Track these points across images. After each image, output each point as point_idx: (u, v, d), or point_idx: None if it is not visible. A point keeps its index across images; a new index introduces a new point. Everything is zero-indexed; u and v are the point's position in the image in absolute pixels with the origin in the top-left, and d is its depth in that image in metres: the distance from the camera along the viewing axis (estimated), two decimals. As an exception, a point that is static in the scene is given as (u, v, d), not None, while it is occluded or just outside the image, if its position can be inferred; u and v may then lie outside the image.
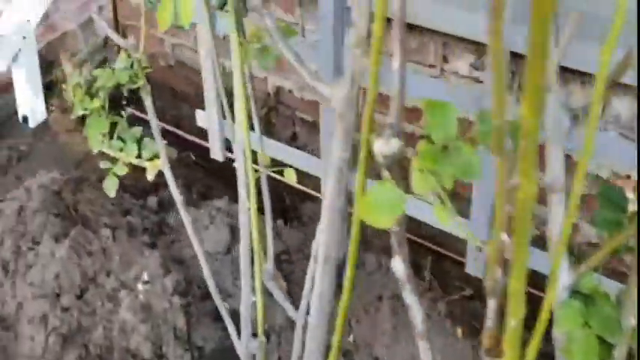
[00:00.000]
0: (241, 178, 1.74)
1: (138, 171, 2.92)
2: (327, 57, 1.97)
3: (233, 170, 1.67)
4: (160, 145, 1.77)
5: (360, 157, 0.80)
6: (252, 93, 1.57)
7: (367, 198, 0.75)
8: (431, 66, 2.58)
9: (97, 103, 1.58)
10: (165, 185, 2.86)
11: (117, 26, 3.15)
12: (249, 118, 1.56)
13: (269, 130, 3.22)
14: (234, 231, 2.54)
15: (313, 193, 2.64)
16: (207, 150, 2.91)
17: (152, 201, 2.69)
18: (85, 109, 1.60)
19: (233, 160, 1.58)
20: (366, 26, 0.83)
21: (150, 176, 1.68)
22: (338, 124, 0.89)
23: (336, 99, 0.91)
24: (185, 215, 1.92)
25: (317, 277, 1.08)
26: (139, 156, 1.67)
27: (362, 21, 0.84)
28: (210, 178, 2.91)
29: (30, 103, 2.77)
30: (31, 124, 2.84)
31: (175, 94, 3.33)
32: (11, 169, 2.85)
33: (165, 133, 3.34)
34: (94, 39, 3.29)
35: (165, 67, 3.27)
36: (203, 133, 2.96)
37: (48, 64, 3.10)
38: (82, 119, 3.13)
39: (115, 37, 1.79)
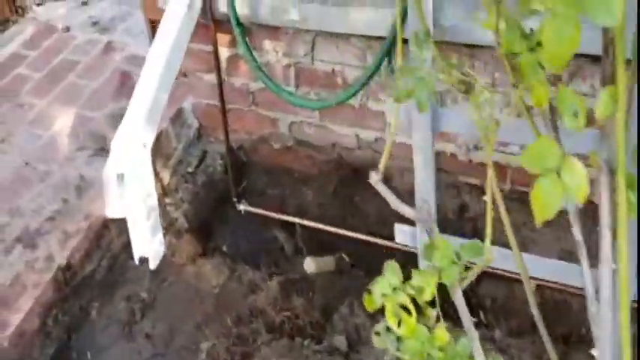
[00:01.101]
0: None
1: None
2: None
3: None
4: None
5: None
6: None
7: None
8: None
9: (431, 315, 0.96)
10: (336, 319, 2.25)
11: (223, 109, 2.51)
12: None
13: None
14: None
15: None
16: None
17: (339, 341, 2.07)
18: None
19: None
20: None
21: None
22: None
23: None
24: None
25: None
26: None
27: None
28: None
29: (148, 242, 2.15)
30: (152, 265, 2.21)
31: (296, 178, 2.71)
32: (137, 326, 2.22)
33: (289, 226, 2.72)
34: (187, 131, 2.66)
35: (281, 149, 2.64)
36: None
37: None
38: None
39: (397, 204, 1.16)
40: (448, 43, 2.00)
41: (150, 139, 2.01)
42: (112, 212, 2.01)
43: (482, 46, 2.06)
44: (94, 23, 3.01)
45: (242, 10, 2.24)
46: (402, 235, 1.97)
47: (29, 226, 2.22)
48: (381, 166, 1.21)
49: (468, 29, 1.84)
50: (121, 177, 1.95)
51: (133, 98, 2.05)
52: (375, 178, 1.15)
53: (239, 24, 2.21)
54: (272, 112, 2.56)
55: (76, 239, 2.17)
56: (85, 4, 3.16)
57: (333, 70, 2.36)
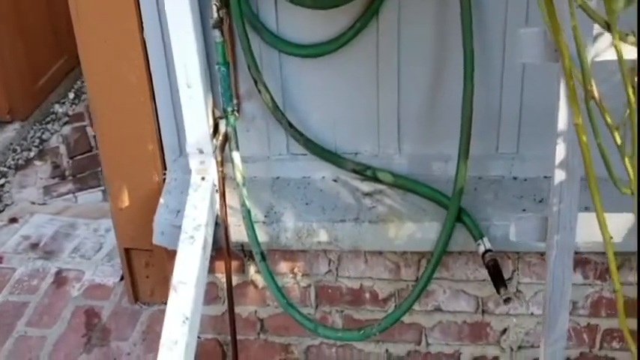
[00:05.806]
0: None
1: None
2: None
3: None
4: None
5: None
6: None
7: None
8: None
9: None
10: None
11: (234, 343, 2.08)
12: None
13: None
14: None
15: None
16: None
17: None
18: None
19: None
20: None
21: None
22: None
23: None
24: None
25: None
26: None
27: None
28: None
29: None
30: None
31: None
32: None
33: None
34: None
35: (292, 375, 2.24)
36: None
37: None
38: None
39: None
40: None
41: None
42: None
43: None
44: (33, 246, 2.50)
45: (260, 237, 1.90)
46: None
47: None
48: None
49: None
50: None
51: None
52: None
53: (263, 257, 1.86)
54: (284, 337, 2.18)
55: None
56: (14, 221, 2.64)
57: (361, 285, 2.06)
